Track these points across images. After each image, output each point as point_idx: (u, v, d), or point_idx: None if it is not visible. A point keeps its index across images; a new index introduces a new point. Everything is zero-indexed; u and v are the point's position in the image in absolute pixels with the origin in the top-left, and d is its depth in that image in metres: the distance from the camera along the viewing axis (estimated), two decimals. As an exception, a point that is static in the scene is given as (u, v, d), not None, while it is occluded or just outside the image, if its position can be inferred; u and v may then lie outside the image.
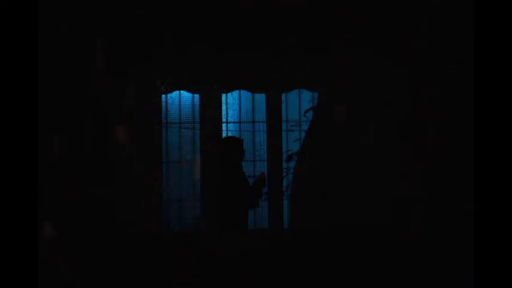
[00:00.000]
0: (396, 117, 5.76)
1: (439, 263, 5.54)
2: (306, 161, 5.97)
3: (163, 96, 6.78)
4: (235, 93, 7.01)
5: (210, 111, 6.66)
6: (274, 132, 6.83)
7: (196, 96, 6.81)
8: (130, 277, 6.17)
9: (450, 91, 5.77)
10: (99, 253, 6.19)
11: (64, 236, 6.14)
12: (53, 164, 6.13)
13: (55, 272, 5.99)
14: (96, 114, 6.38)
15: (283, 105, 6.90)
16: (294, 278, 5.73)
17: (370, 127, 5.77)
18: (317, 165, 5.85)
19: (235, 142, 6.04)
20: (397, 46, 5.80)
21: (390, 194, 5.65)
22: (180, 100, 6.91)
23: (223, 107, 6.88)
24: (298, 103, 7.06)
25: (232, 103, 7.07)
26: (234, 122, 7.09)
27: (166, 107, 6.84)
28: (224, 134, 6.84)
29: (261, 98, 6.95)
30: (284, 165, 6.82)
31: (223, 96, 6.85)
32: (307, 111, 6.83)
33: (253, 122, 7.07)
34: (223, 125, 6.87)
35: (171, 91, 6.77)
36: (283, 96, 6.89)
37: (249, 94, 6.98)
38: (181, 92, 6.86)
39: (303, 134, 6.59)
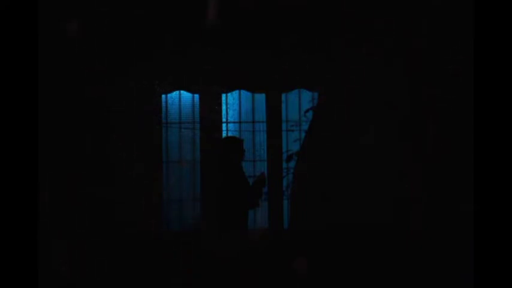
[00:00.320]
0: (396, 117, 5.76)
1: (439, 263, 5.54)
2: (306, 161, 5.97)
3: (163, 96, 6.78)
4: (235, 93, 7.01)
5: (211, 112, 6.68)
6: (274, 132, 6.83)
7: (196, 96, 6.82)
8: (131, 277, 6.17)
9: (450, 91, 5.77)
10: (99, 253, 6.19)
11: (64, 236, 6.14)
12: (53, 164, 6.14)
13: (55, 272, 5.99)
14: (96, 114, 6.38)
15: (283, 105, 6.90)
16: (294, 278, 5.74)
17: (370, 127, 5.77)
18: (317, 165, 5.85)
19: (235, 142, 6.03)
20: (397, 46, 5.80)
21: (390, 194, 5.65)
22: (180, 100, 6.91)
23: (223, 107, 6.89)
24: (298, 103, 7.06)
25: (232, 103, 7.07)
26: (234, 122, 7.09)
27: (166, 107, 6.84)
28: (224, 134, 6.84)
29: (261, 98, 6.95)
30: (284, 165, 6.82)
31: (223, 96, 6.86)
32: (307, 111, 6.83)
33: (253, 122, 7.07)
34: (223, 125, 6.87)
35: (170, 91, 6.77)
36: (283, 96, 6.89)
37: (249, 94, 6.98)
38: (181, 92, 6.87)
39: (303, 134, 6.59)
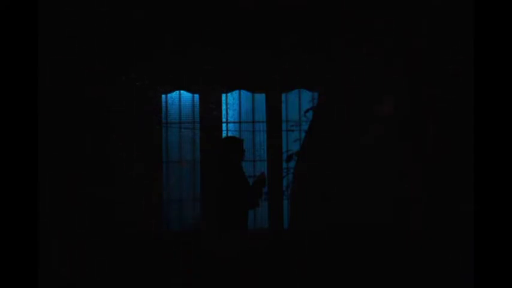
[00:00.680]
0: (396, 117, 5.76)
1: (439, 263, 5.54)
2: (306, 161, 5.97)
3: (163, 96, 6.78)
4: (235, 93, 7.01)
5: (209, 110, 6.67)
6: (274, 132, 6.83)
7: (196, 96, 6.82)
8: (131, 277, 6.17)
9: (450, 91, 5.76)
10: (99, 253, 6.19)
11: (64, 236, 6.14)
12: (53, 164, 6.14)
13: (55, 272, 5.99)
14: (96, 114, 6.38)
15: (283, 105, 6.90)
16: (294, 278, 5.73)
17: (370, 127, 5.77)
18: (317, 165, 5.84)
19: (235, 142, 6.04)
20: (397, 46, 5.80)
21: (390, 194, 5.65)
22: (180, 100, 6.91)
23: (223, 107, 6.89)
24: (298, 103, 7.07)
25: (232, 103, 7.07)
26: (234, 122, 7.09)
27: (166, 107, 6.84)
28: (224, 134, 6.84)
29: (261, 98, 6.95)
30: (284, 165, 6.82)
31: (223, 96, 6.85)
32: (307, 111, 6.83)
33: (253, 122, 7.07)
34: (223, 125, 6.87)
35: (170, 91, 6.77)
36: (283, 96, 6.89)
37: (249, 94, 6.98)
38: (181, 92, 6.87)
39: (303, 134, 6.59)
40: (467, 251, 4.63)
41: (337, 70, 6.01)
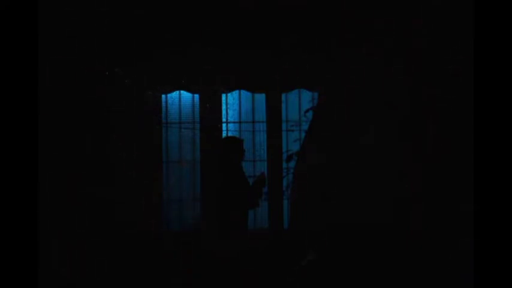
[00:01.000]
0: (396, 117, 5.76)
1: (439, 263, 5.54)
2: (306, 161, 5.97)
3: (163, 96, 6.79)
4: (235, 93, 7.01)
5: (207, 109, 6.67)
6: (274, 132, 6.83)
7: (196, 96, 6.82)
8: (131, 277, 6.17)
9: (450, 91, 5.76)
10: (99, 253, 6.19)
11: (64, 236, 6.14)
12: (53, 164, 6.14)
13: (55, 272, 5.99)
14: (96, 114, 6.38)
15: (283, 105, 6.91)
16: (294, 278, 5.73)
17: (370, 127, 5.77)
18: (317, 165, 5.84)
19: (235, 142, 6.03)
20: (397, 46, 5.80)
21: (390, 194, 5.65)
22: (180, 100, 6.91)
23: (223, 107, 6.89)
24: (298, 103, 7.07)
25: (232, 103, 7.07)
26: (234, 122, 7.09)
27: (166, 107, 6.84)
28: (224, 134, 6.84)
29: (261, 98, 6.95)
30: (284, 165, 6.82)
31: (223, 96, 6.86)
32: (307, 111, 6.83)
33: (253, 122, 7.07)
34: (223, 125, 6.87)
35: (170, 91, 6.77)
36: (283, 96, 6.89)
37: (249, 94, 6.98)
38: (181, 92, 6.87)
39: (303, 134, 6.59)
40: (467, 251, 4.63)
41: (337, 70, 6.01)
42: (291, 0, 6.41)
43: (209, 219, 5.87)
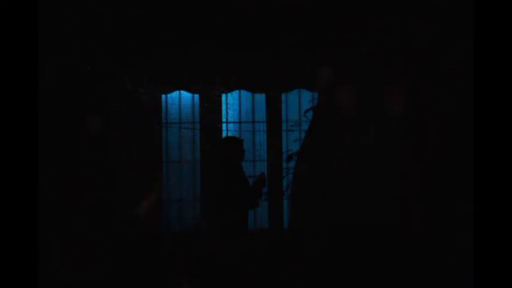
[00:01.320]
0: (396, 117, 5.76)
1: (439, 263, 5.54)
2: (306, 161, 5.97)
3: (163, 96, 6.79)
4: (235, 93, 7.01)
5: (206, 109, 6.68)
6: (274, 132, 6.83)
7: (196, 96, 6.82)
8: (131, 277, 6.17)
9: (450, 91, 5.77)
10: (99, 253, 6.19)
11: (64, 236, 6.14)
12: (53, 164, 6.14)
13: (55, 272, 5.99)
14: (96, 115, 6.38)
15: (283, 105, 6.90)
16: (294, 278, 5.74)
17: (370, 127, 5.77)
18: (317, 165, 5.84)
19: (235, 142, 6.03)
20: (397, 46, 5.80)
21: (390, 194, 5.65)
22: (180, 100, 6.91)
23: (223, 107, 6.89)
24: (298, 103, 7.06)
25: (232, 103, 7.07)
26: (234, 122, 7.09)
27: (166, 107, 6.84)
28: (224, 134, 6.84)
29: (261, 98, 6.95)
30: (284, 165, 6.82)
31: (223, 96, 6.85)
32: (307, 111, 6.83)
33: (253, 122, 7.07)
34: (223, 125, 6.87)
35: (170, 91, 6.77)
36: (283, 96, 6.89)
37: (249, 94, 6.98)
38: (181, 92, 6.86)
39: (303, 134, 6.59)
40: (467, 251, 4.63)
41: (337, 70, 6.01)
42: (291, 0, 6.41)
43: (209, 219, 5.87)
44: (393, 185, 5.67)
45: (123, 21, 6.40)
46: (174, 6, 6.47)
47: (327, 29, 6.30)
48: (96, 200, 6.25)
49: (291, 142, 6.96)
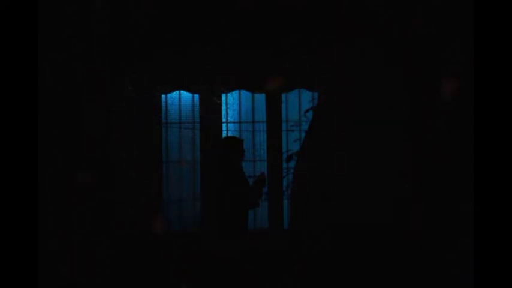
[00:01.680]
0: (396, 117, 5.76)
1: (439, 263, 5.53)
2: (306, 161, 5.97)
3: (163, 96, 6.79)
4: (235, 93, 7.01)
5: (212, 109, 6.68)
6: (274, 132, 6.83)
7: (196, 96, 6.81)
8: (131, 277, 6.17)
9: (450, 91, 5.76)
10: (99, 253, 6.19)
11: (64, 236, 6.14)
12: (53, 164, 6.13)
13: (55, 272, 5.99)
14: (96, 114, 6.38)
15: (283, 105, 6.90)
16: (294, 278, 5.73)
17: (370, 127, 5.77)
18: (317, 165, 5.84)
19: (235, 142, 6.03)
20: (397, 46, 5.79)
21: (390, 194, 5.65)
22: (180, 100, 6.91)
23: (223, 107, 6.89)
24: (298, 103, 7.06)
25: (232, 103, 7.07)
26: (234, 122, 7.09)
27: (166, 107, 6.84)
28: (224, 134, 6.84)
29: (261, 98, 6.95)
30: (284, 165, 6.82)
31: (223, 96, 6.85)
32: (307, 111, 6.83)
33: (253, 122, 7.07)
34: (223, 125, 6.87)
35: (170, 91, 6.77)
36: (283, 96, 6.89)
37: (249, 94, 6.98)
38: (181, 92, 6.86)
39: (303, 134, 6.59)
40: (467, 251, 4.63)
41: (337, 70, 6.00)
42: (291, 0, 6.41)
43: (209, 219, 5.87)
44: (393, 185, 5.67)
45: (123, 21, 6.40)
46: (174, 7, 6.47)
47: (327, 29, 6.30)
48: (96, 200, 6.25)
49: (291, 142, 6.97)
